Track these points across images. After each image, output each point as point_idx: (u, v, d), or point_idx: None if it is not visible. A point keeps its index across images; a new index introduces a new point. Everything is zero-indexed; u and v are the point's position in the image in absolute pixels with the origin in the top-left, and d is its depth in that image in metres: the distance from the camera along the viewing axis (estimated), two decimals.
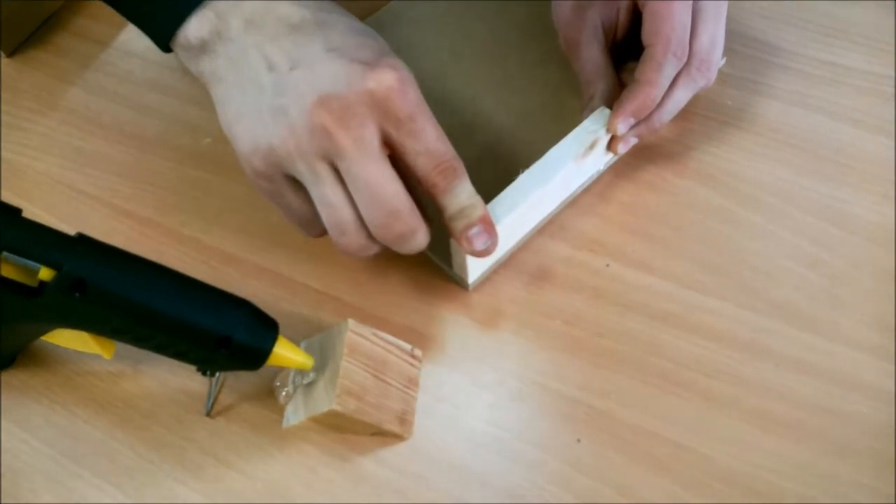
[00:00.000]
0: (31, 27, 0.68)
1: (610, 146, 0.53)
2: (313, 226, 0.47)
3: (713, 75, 0.53)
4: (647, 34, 0.51)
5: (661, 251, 0.53)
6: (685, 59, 0.52)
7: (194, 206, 0.57)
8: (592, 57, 0.56)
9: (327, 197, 0.43)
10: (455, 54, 0.63)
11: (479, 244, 0.46)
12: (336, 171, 0.43)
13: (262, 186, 0.45)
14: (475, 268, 0.50)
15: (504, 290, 0.52)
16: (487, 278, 0.53)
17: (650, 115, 0.53)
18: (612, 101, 0.54)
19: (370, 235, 0.45)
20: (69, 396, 0.50)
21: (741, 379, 0.48)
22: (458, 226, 0.46)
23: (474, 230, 0.46)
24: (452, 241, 0.48)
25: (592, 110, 0.53)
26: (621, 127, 0.52)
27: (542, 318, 0.51)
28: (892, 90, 0.59)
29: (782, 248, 0.52)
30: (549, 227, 0.54)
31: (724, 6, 0.53)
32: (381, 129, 0.42)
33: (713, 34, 0.52)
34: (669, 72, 0.51)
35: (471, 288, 0.52)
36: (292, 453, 0.47)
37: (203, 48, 0.44)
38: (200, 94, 0.58)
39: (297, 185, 0.45)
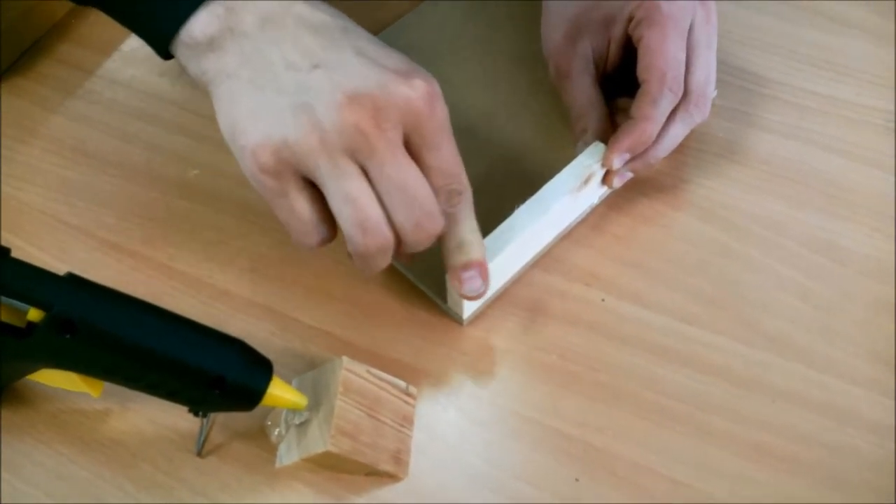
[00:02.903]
0: (14, 54, 0.67)
1: (605, 180, 0.53)
2: (311, 233, 0.45)
3: (708, 110, 0.53)
4: (642, 69, 0.52)
5: (656, 284, 0.53)
6: (680, 94, 0.52)
7: (182, 238, 0.56)
8: (583, 89, 0.56)
9: (352, 192, 0.42)
10: (446, 83, 0.62)
11: (469, 288, 0.46)
12: (362, 169, 0.42)
13: (265, 184, 0.43)
14: (470, 303, 0.50)
15: (499, 325, 0.52)
16: (482, 312, 0.52)
17: (646, 150, 0.52)
18: (604, 133, 0.54)
19: (393, 235, 0.44)
20: (55, 435, 0.48)
21: (737, 413, 0.48)
22: (455, 261, 0.46)
23: (469, 273, 0.46)
24: (447, 279, 0.47)
25: (586, 144, 0.53)
26: (617, 162, 0.52)
27: (538, 352, 0.51)
28: (882, 121, 0.59)
29: (776, 281, 0.52)
30: (544, 260, 0.54)
31: (715, 39, 0.53)
32: (407, 136, 0.42)
33: (707, 68, 0.53)
34: (665, 107, 0.51)
35: (465, 323, 0.52)
36: (286, 493, 0.46)
37: (210, 45, 0.43)
38: (187, 123, 0.57)
39: (305, 185, 0.43)
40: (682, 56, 0.51)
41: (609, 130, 0.54)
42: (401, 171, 0.42)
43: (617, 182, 0.53)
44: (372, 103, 0.40)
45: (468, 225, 0.46)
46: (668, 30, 0.51)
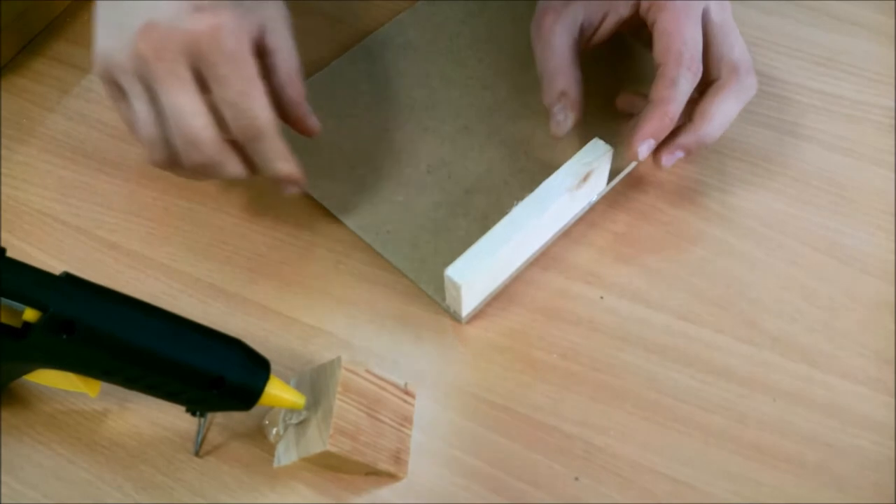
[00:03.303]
0: (11, 53, 0.67)
1: (654, 159, 0.53)
2: (145, 144, 0.50)
3: (756, 82, 0.53)
4: (658, 53, 0.51)
5: (657, 283, 0.52)
6: (699, 73, 0.51)
7: (181, 237, 0.56)
8: (561, 48, 0.54)
9: (139, 111, 0.47)
10: (446, 81, 0.63)
11: (289, 192, 0.52)
12: (151, 93, 0.46)
13: (105, 89, 0.49)
14: (469, 301, 0.50)
15: (498, 324, 0.51)
16: (481, 311, 0.52)
17: (699, 130, 0.52)
18: (578, 102, 0.54)
19: (175, 158, 0.49)
20: (53, 436, 0.48)
21: (739, 413, 0.48)
22: (269, 177, 0.51)
23: (284, 185, 0.51)
24: (446, 275, 0.47)
25: (564, 110, 0.53)
26: (643, 150, 0.51)
27: (537, 351, 0.50)
28: (884, 119, 0.59)
29: (778, 280, 0.52)
30: (543, 258, 0.54)
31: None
32: (195, 68, 0.45)
33: (742, 42, 0.53)
34: (684, 87, 0.50)
35: (464, 321, 0.51)
36: (284, 493, 0.46)
37: None
38: None
39: (135, 97, 0.48)
40: (698, 36, 0.51)
41: (582, 101, 0.54)
42: (172, 100, 0.46)
43: (666, 161, 0.53)
44: (157, 34, 0.44)
45: (266, 154, 0.49)
46: (681, 11, 0.51)
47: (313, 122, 0.54)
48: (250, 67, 0.46)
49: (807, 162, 0.57)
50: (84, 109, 0.63)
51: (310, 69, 0.63)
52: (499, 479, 0.46)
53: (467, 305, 0.50)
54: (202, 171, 0.49)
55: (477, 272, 0.48)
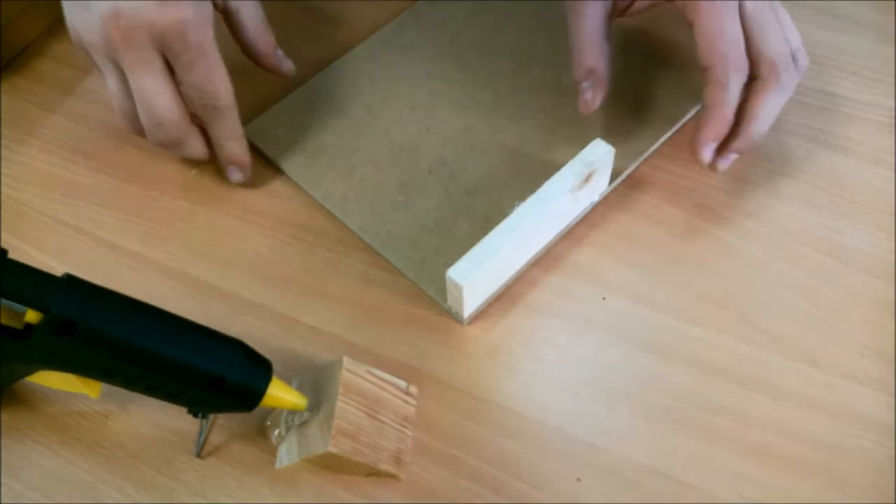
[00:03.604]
0: (11, 53, 0.66)
1: (711, 166, 0.54)
2: (121, 116, 0.54)
3: (796, 74, 0.53)
4: (703, 54, 0.51)
5: (658, 283, 0.52)
6: (746, 70, 0.51)
7: (181, 238, 0.56)
8: (593, 21, 0.55)
9: (112, 88, 0.52)
10: (447, 81, 0.63)
11: (233, 178, 0.57)
12: (122, 71, 0.51)
13: (80, 56, 0.53)
14: (471, 302, 0.50)
15: (500, 324, 0.51)
16: (483, 312, 0.52)
17: (747, 130, 0.52)
18: (604, 79, 0.54)
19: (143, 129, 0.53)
20: (54, 437, 0.48)
21: (742, 413, 0.48)
22: (219, 158, 0.56)
23: (230, 168, 0.56)
24: (447, 276, 0.47)
25: (591, 88, 0.54)
26: (707, 155, 0.53)
27: (539, 351, 0.50)
28: (884, 119, 0.59)
29: (779, 280, 0.52)
30: (545, 258, 0.54)
31: (777, 6, 0.53)
32: (163, 54, 0.50)
33: (781, 33, 0.52)
34: (735, 88, 0.51)
35: (466, 322, 0.51)
36: (286, 494, 0.46)
37: None
38: None
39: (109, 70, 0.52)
40: (739, 33, 0.51)
41: (609, 78, 0.55)
42: (139, 83, 0.50)
43: (722, 165, 0.54)
44: (126, 22, 0.48)
45: (224, 132, 0.54)
46: (718, 9, 0.51)
47: (287, 65, 0.59)
48: (213, 54, 0.51)
49: (807, 162, 0.57)
50: (85, 110, 0.63)
51: (311, 70, 0.63)
52: (500, 480, 0.46)
53: (469, 306, 0.50)
54: (166, 148, 0.54)
55: (479, 273, 0.48)
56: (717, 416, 0.47)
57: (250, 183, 0.58)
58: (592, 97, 0.54)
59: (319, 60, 0.64)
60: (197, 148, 0.55)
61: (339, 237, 0.55)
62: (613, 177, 0.55)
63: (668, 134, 0.58)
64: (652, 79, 0.61)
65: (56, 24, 0.69)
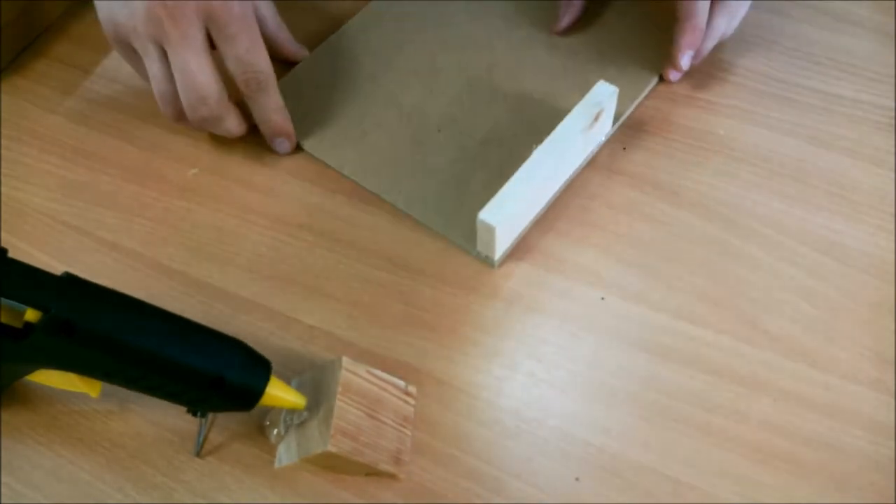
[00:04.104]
0: (12, 54, 0.67)
1: (664, 75, 0.61)
2: (162, 101, 0.56)
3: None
4: None
5: (657, 283, 0.52)
6: None
7: (181, 238, 0.56)
8: None
9: (154, 71, 0.54)
10: (443, 45, 0.65)
11: (281, 149, 0.59)
12: (164, 53, 0.52)
13: (118, 50, 0.56)
14: (501, 244, 0.52)
15: (499, 325, 0.52)
16: (477, 312, 0.52)
17: (687, 24, 0.58)
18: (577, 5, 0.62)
19: (183, 111, 0.55)
20: (54, 437, 0.48)
21: (740, 413, 0.48)
22: (265, 132, 0.58)
23: (278, 140, 0.58)
24: (479, 219, 0.49)
25: (564, 11, 0.62)
26: (685, 62, 0.59)
27: (538, 352, 0.50)
28: (884, 119, 0.59)
29: (778, 280, 0.52)
30: (545, 259, 0.54)
31: None
32: (207, 29, 0.52)
33: None
34: (704, 2, 0.57)
35: (497, 265, 0.53)
36: (285, 493, 0.46)
37: None
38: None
39: (152, 57, 0.54)
40: None
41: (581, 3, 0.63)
42: (184, 59, 0.52)
43: (685, 62, 0.60)
44: (172, 2, 0.50)
45: (268, 104, 0.56)
46: None
47: (303, 52, 0.64)
48: (255, 28, 0.54)
49: (806, 162, 0.57)
50: (85, 110, 0.63)
51: (308, 45, 0.65)
52: (499, 480, 0.46)
53: (500, 248, 0.52)
54: (206, 125, 0.56)
55: (509, 214, 0.50)
56: (715, 416, 0.47)
57: (251, 183, 0.58)
58: (561, 15, 0.63)
59: (315, 35, 0.66)
60: (235, 125, 0.57)
61: (339, 237, 0.55)
62: (615, 120, 0.59)
63: (656, 79, 0.62)
64: (643, 26, 0.65)
65: (57, 25, 0.69)
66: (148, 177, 0.59)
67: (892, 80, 0.61)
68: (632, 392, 0.49)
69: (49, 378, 0.44)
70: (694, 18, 0.57)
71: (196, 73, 0.52)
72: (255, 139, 0.60)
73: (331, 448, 0.42)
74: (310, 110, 0.61)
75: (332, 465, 0.45)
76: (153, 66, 0.53)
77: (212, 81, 0.53)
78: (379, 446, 0.45)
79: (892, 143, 0.58)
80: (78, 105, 0.64)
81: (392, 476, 0.46)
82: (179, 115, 0.56)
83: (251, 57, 0.54)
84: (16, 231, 0.56)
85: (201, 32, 0.52)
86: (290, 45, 0.63)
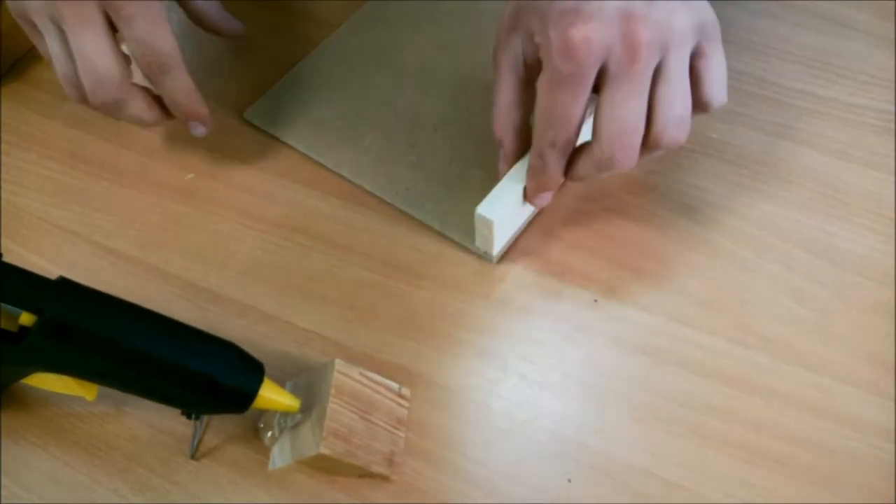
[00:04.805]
0: (10, 59, 0.67)
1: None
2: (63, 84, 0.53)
3: (628, 152, 0.46)
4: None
5: (650, 285, 0.53)
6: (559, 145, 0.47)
7: (177, 242, 0.56)
8: (506, 89, 0.50)
9: (53, 49, 0.51)
10: (436, 47, 0.65)
11: (196, 133, 0.57)
12: (63, 32, 0.50)
13: (24, 27, 0.53)
14: (500, 238, 0.52)
15: (490, 328, 0.52)
16: (470, 315, 0.52)
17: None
18: (516, 150, 0.51)
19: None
20: (50, 439, 0.49)
21: (732, 415, 0.48)
22: (179, 117, 0.55)
23: (191, 124, 0.56)
24: (477, 214, 0.50)
25: (504, 159, 0.52)
26: (539, 203, 0.51)
27: (530, 354, 0.51)
28: (878, 122, 0.59)
29: (771, 282, 0.52)
30: (537, 261, 0.54)
31: (642, 80, 0.44)
32: (105, 11, 0.49)
33: (612, 116, 0.45)
34: (551, 157, 0.48)
35: (495, 260, 0.53)
36: (279, 495, 0.46)
37: None
38: (182, 129, 0.57)
39: (51, 36, 0.51)
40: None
41: (523, 145, 0.51)
42: (80, 40, 0.49)
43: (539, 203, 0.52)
44: None
45: (175, 88, 0.53)
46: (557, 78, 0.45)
47: (236, 25, 0.62)
48: (157, 7, 0.50)
49: (800, 165, 0.57)
50: (84, 116, 0.63)
51: (301, 50, 0.66)
52: (491, 481, 0.46)
53: (498, 243, 0.52)
54: (110, 110, 0.53)
55: (506, 209, 0.50)
56: (708, 418, 0.48)
57: (247, 186, 0.58)
58: (501, 164, 0.52)
59: (306, 40, 0.66)
60: (141, 110, 0.54)
61: (334, 241, 0.56)
62: None
63: None
64: None
65: None
66: (145, 181, 0.59)
67: (889, 84, 0.61)
68: (624, 393, 0.49)
69: (45, 381, 0.45)
70: (545, 173, 0.49)
71: (93, 55, 0.50)
72: (251, 143, 0.60)
73: (323, 450, 0.42)
74: (303, 113, 0.62)
75: (325, 466, 0.45)
76: (53, 46, 0.51)
77: (111, 63, 0.50)
78: (372, 448, 0.45)
79: (888, 146, 0.58)
80: (77, 110, 0.63)
81: (385, 478, 0.46)
82: (84, 98, 0.53)
83: (152, 39, 0.51)
84: (13, 235, 0.57)
85: (99, 12, 0.49)
86: (221, 20, 0.60)
